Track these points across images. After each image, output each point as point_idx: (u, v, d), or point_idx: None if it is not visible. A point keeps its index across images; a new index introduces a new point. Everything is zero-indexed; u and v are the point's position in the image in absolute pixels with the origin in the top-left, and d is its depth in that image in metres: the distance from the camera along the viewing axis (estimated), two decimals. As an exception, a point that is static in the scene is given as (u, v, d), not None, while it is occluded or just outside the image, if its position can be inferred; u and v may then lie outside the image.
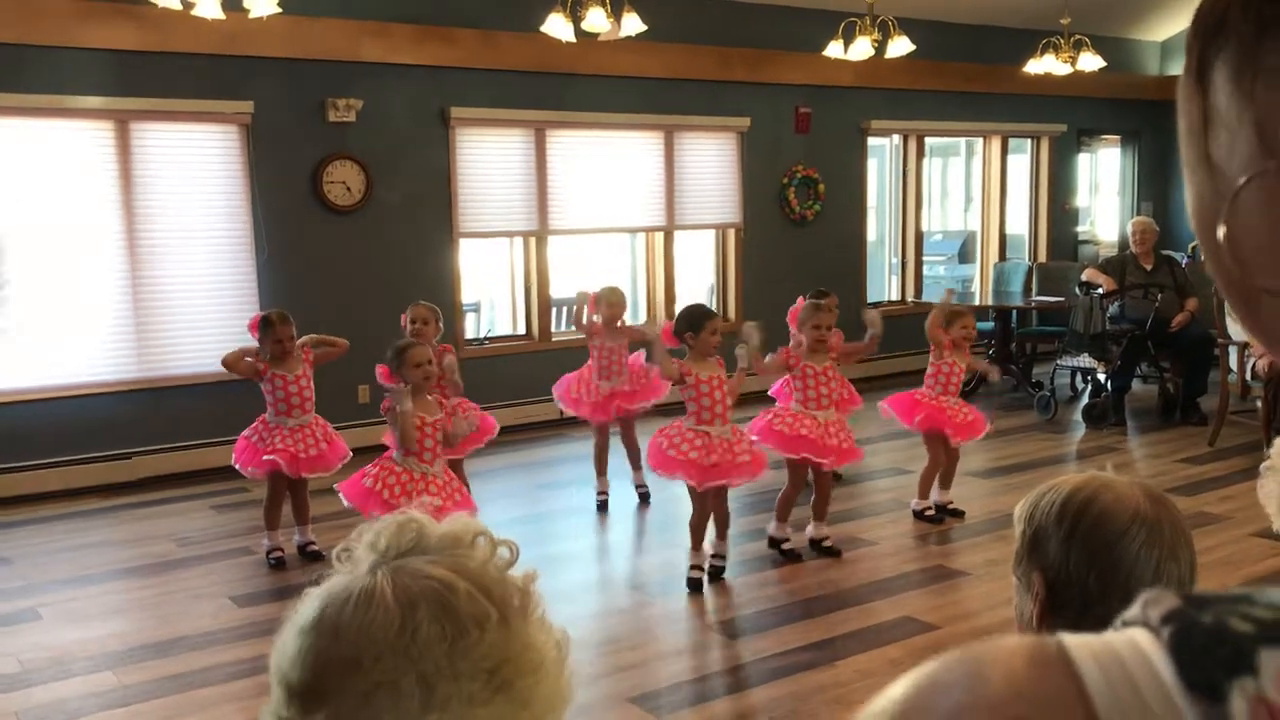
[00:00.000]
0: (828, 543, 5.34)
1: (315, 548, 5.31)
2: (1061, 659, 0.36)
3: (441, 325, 5.77)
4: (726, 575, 5.04)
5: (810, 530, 5.37)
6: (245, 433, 5.34)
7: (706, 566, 4.94)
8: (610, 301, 6.17)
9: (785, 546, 5.29)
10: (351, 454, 5.35)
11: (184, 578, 5.20)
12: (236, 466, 5.32)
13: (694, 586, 4.87)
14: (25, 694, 3.99)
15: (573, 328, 9.25)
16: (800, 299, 6.45)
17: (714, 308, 9.24)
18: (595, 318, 6.19)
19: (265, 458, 5.16)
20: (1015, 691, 0.36)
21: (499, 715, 0.94)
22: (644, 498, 6.28)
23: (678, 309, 8.85)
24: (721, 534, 5.02)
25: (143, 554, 5.55)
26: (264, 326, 5.26)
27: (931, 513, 5.81)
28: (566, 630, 1.10)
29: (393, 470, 4.55)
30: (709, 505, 4.91)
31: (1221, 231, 0.39)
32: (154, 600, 4.97)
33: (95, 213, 6.65)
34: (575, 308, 6.38)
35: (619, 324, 6.18)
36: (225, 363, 5.27)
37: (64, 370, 6.64)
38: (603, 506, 6.21)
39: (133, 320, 6.81)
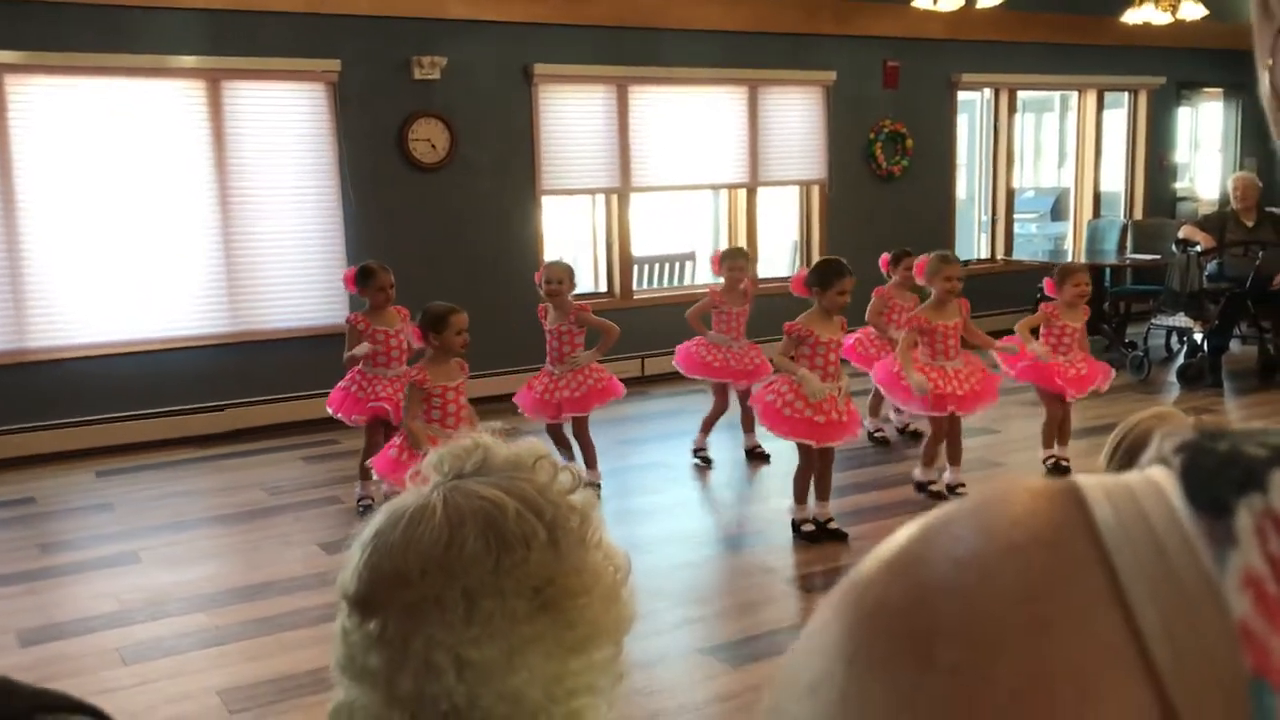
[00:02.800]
0: (962, 490, 5.39)
1: None
2: (1070, 492, 0.35)
3: (575, 283, 5.77)
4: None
5: (948, 476, 5.46)
6: (341, 384, 5.43)
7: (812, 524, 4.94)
8: (732, 265, 6.16)
9: (933, 488, 5.41)
10: None
11: (274, 525, 5.35)
12: (339, 416, 5.40)
13: (809, 537, 4.86)
14: (125, 631, 4.15)
15: (657, 285, 9.26)
16: (884, 259, 6.51)
17: (797, 265, 9.20)
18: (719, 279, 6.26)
19: (371, 404, 5.27)
20: (1013, 520, 0.35)
21: (542, 633, 0.95)
22: (763, 457, 6.21)
23: (760, 267, 8.84)
24: (823, 495, 4.96)
25: (235, 502, 5.72)
26: (366, 276, 5.36)
27: (1053, 462, 5.80)
28: (629, 556, 1.10)
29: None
30: (815, 461, 4.89)
31: (1269, 63, 0.38)
32: (245, 546, 5.13)
33: (189, 170, 6.81)
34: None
35: (742, 286, 6.16)
36: (348, 363, 5.37)
37: (160, 324, 6.84)
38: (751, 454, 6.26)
39: (225, 276, 6.98)
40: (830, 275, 4.77)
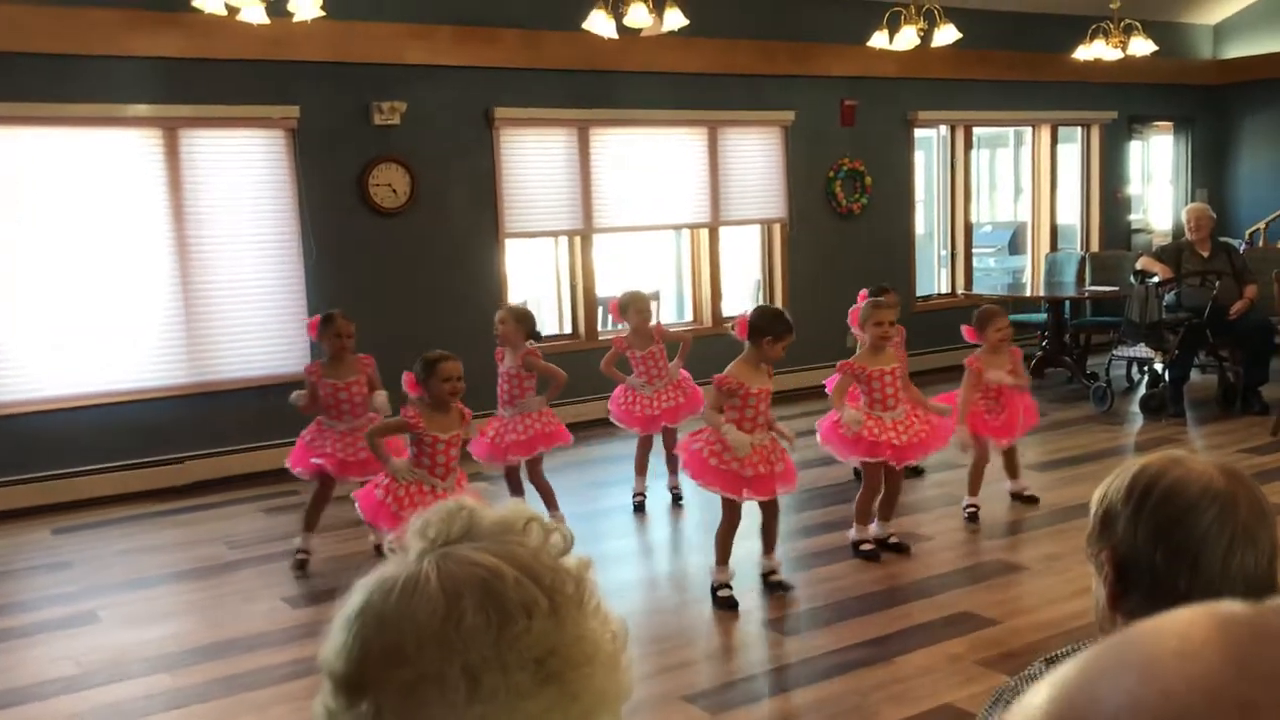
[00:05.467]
0: (894, 539, 5.25)
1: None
2: None
3: (527, 325, 5.66)
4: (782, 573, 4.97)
5: (874, 528, 5.25)
6: (302, 434, 5.36)
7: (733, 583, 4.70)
8: (638, 308, 6.12)
9: (865, 548, 5.16)
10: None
11: (237, 580, 5.23)
12: (288, 466, 5.37)
13: (725, 605, 4.59)
14: (83, 696, 4.01)
15: (618, 327, 9.24)
16: (862, 294, 6.45)
17: (761, 303, 9.21)
18: (621, 325, 6.18)
19: (313, 460, 5.19)
20: (1238, 670, 0.29)
21: (548, 708, 0.89)
22: (677, 499, 6.21)
23: (723, 306, 8.85)
24: (769, 547, 4.77)
25: (196, 557, 5.58)
26: (326, 323, 5.29)
27: (974, 509, 5.67)
28: (625, 622, 1.05)
29: (404, 483, 4.51)
30: (738, 517, 4.67)
31: None
32: (208, 603, 5.00)
33: (145, 219, 6.71)
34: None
35: (651, 326, 6.15)
36: (299, 407, 5.28)
37: (116, 376, 6.71)
38: (640, 508, 6.15)
39: (183, 325, 6.87)
40: (782, 328, 4.56)
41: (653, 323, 6.21)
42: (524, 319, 5.64)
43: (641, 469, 6.19)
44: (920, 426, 5.16)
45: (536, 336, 5.76)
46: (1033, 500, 5.87)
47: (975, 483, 5.72)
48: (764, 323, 4.59)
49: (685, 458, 4.69)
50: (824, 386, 6.29)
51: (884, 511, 5.26)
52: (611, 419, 6.25)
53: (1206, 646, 0.30)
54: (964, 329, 5.83)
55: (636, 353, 6.10)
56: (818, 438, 5.30)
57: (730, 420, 4.54)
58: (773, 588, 4.72)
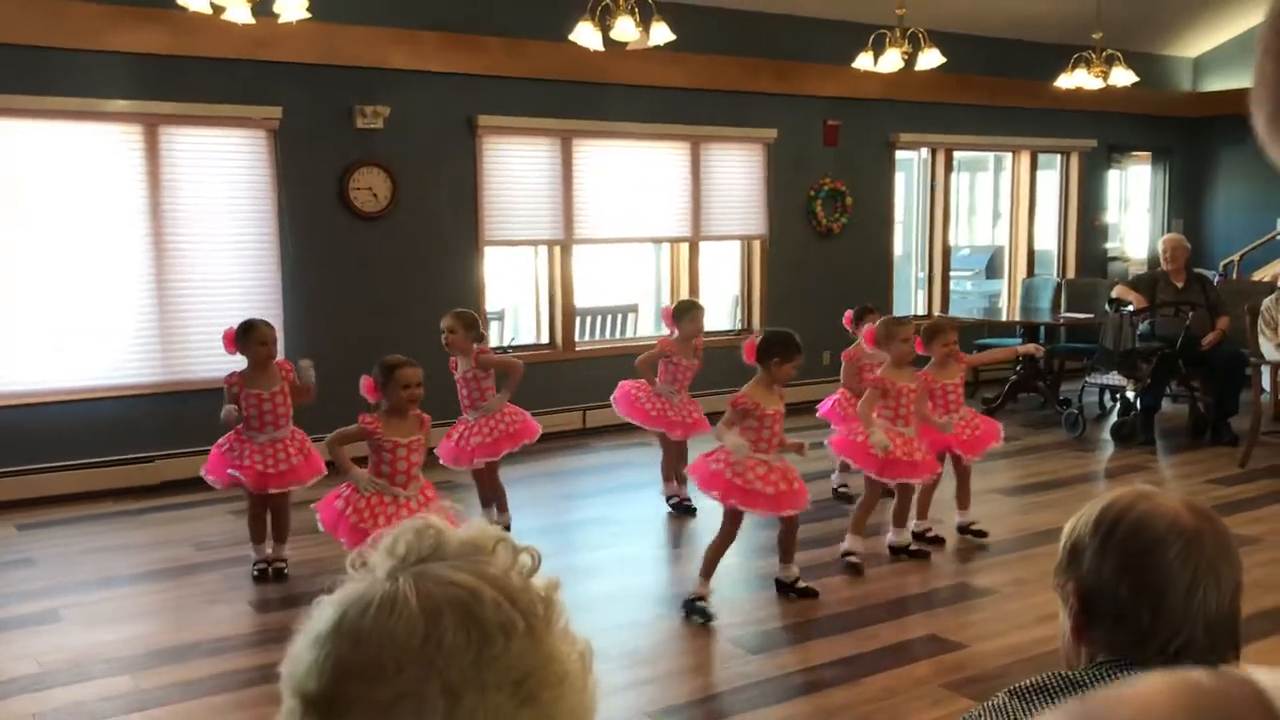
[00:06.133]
0: (913, 547, 5.45)
1: (283, 567, 5.20)
2: (1259, 705, 0.30)
3: (476, 332, 5.69)
4: (746, 591, 4.97)
5: (891, 537, 5.46)
6: (219, 442, 5.21)
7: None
8: (692, 317, 6.20)
9: (852, 560, 5.26)
10: (327, 468, 5.22)
11: (203, 582, 5.18)
12: (202, 475, 5.24)
13: (701, 616, 4.64)
14: (44, 695, 3.97)
15: (599, 337, 9.22)
16: (847, 315, 6.55)
17: (738, 320, 9.23)
18: (674, 333, 6.23)
19: (230, 472, 5.09)
20: None
21: None
22: (688, 510, 6.21)
23: (702, 320, 8.85)
24: (788, 556, 4.91)
25: (162, 558, 5.54)
26: (248, 332, 5.14)
27: (931, 533, 5.69)
28: (590, 642, 1.05)
29: (364, 494, 4.46)
30: (735, 535, 4.74)
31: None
32: (173, 604, 4.96)
33: (122, 216, 6.66)
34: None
35: (695, 341, 6.20)
36: (227, 421, 5.13)
37: (88, 373, 6.65)
38: (678, 508, 6.21)
39: (157, 324, 6.82)
40: (792, 349, 4.65)
41: (695, 339, 6.24)
42: (470, 324, 5.67)
43: (668, 474, 6.28)
44: (927, 445, 5.34)
45: (480, 337, 5.78)
46: (982, 534, 5.70)
47: (925, 505, 5.70)
48: (771, 345, 4.69)
49: (702, 476, 4.71)
50: (818, 414, 6.40)
51: (899, 518, 5.45)
52: (617, 410, 6.24)
53: (1166, 715, 0.30)
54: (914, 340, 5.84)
55: (682, 361, 6.16)
56: (850, 464, 5.40)
57: (749, 440, 4.63)
58: (801, 593, 4.85)
